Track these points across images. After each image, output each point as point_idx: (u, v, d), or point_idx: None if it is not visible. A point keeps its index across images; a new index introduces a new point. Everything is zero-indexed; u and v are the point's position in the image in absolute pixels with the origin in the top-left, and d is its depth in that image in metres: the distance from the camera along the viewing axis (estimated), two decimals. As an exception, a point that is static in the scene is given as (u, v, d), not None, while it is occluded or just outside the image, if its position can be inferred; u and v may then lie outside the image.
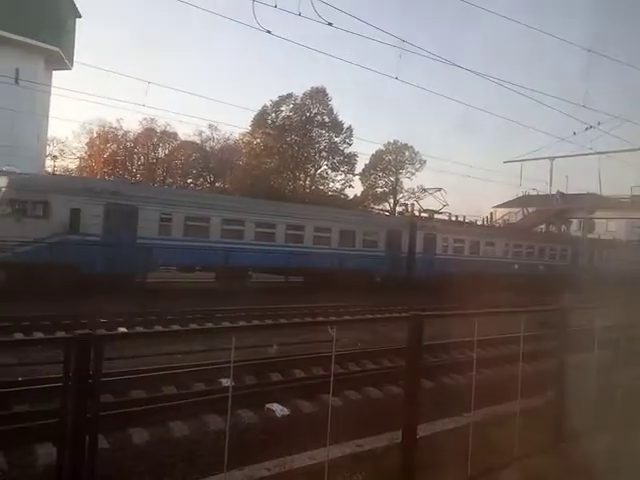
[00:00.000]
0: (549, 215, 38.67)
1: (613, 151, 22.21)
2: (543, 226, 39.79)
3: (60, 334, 10.63)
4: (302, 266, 21.69)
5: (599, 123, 18.84)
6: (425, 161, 56.97)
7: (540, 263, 31.94)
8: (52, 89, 32.07)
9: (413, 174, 58.59)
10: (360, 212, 30.22)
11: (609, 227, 48.11)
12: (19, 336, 9.96)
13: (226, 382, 6.87)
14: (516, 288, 21.69)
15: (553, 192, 37.82)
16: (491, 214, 39.09)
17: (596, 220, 41.53)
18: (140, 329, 11.39)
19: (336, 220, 23.30)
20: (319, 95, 50.72)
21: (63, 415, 2.73)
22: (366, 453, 5.10)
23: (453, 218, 30.30)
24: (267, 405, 6.46)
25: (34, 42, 28.49)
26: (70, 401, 2.65)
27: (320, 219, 22.78)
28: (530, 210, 41.08)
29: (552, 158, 28.93)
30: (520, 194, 43.46)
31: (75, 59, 33.36)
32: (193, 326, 12.02)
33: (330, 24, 10.17)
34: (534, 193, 41.21)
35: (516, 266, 29.93)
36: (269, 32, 10.81)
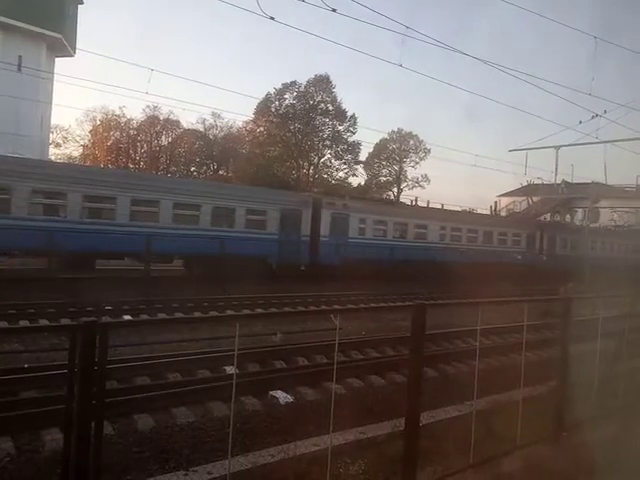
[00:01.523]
0: (554, 204, 38.55)
1: (619, 140, 22.05)
2: (548, 215, 39.67)
3: (66, 321, 10.76)
4: (168, 251, 18.43)
5: (605, 111, 18.67)
6: (429, 150, 56.65)
7: (488, 249, 28.45)
8: (55, 76, 31.98)
9: (417, 163, 58.34)
10: (244, 187, 26.71)
11: (614, 216, 47.94)
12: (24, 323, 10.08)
13: (230, 369, 6.93)
14: (454, 276, 19.60)
15: (558, 181, 37.64)
16: (495, 203, 38.99)
17: (601, 209, 41.33)
18: (145, 317, 11.49)
19: (207, 195, 19.66)
20: (323, 83, 50.34)
21: (69, 401, 2.75)
22: (369, 440, 5.14)
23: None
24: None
25: (36, 29, 28.34)
26: (76, 388, 2.67)
27: (182, 193, 19.03)
28: (535, 199, 40.97)
29: (557, 147, 28.69)
30: (525, 183, 43.32)
31: (78, 46, 33.23)
32: (197, 314, 12.17)
33: (334, 10, 10.07)
34: (539, 182, 41.08)
35: (459, 252, 26.39)
36: (272, 19, 10.71)
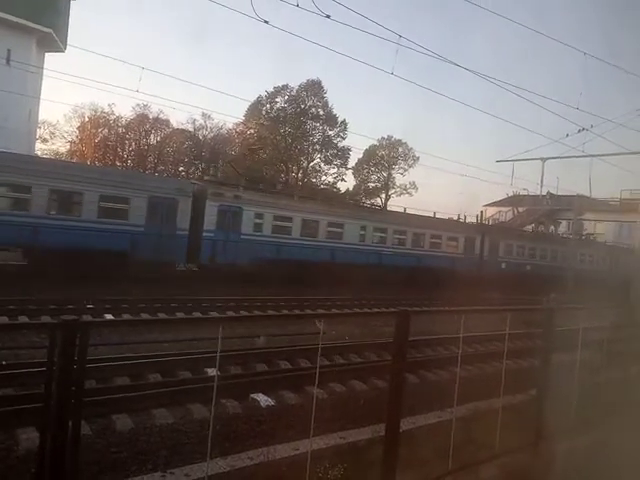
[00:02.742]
0: (538, 215, 39.04)
1: (604, 154, 22.46)
2: (532, 226, 40.16)
3: (46, 319, 10.61)
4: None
5: (592, 126, 19.01)
6: (418, 158, 57.06)
7: (418, 253, 26.24)
8: (44, 71, 31.63)
9: (406, 170, 58.71)
10: (98, 168, 22.64)
11: (597, 229, 48.71)
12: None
13: (211, 372, 6.89)
14: (370, 281, 18.79)
15: (544, 193, 38.16)
16: (481, 212, 39.33)
17: (585, 222, 41.96)
18: (127, 317, 11.39)
19: (42, 175, 16.25)
20: (314, 87, 50.53)
21: (47, 400, 2.72)
22: (349, 445, 5.14)
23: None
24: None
25: (26, 23, 28.00)
26: (54, 386, 2.64)
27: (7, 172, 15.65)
28: (520, 209, 41.46)
29: (544, 159, 29.14)
30: (511, 193, 43.81)
31: (68, 42, 32.92)
32: (180, 315, 12.09)
33: (328, 16, 10.13)
34: (525, 193, 41.57)
35: (375, 254, 24.33)
36: (266, 22, 10.75)
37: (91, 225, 16.82)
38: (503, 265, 29.84)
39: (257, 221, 20.76)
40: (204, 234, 19.05)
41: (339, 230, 23.34)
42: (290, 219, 21.78)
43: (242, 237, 20.08)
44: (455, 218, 35.19)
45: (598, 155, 22.87)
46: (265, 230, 20.95)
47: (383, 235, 25.03)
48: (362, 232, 24.11)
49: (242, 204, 20.27)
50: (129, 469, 4.30)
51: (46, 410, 2.72)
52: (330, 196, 46.43)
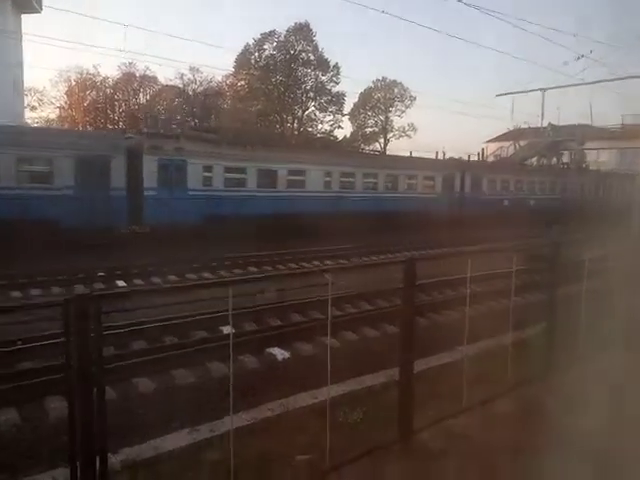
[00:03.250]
0: (540, 147, 38.44)
1: (604, 80, 21.82)
2: (535, 159, 39.63)
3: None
4: None
5: (591, 51, 18.37)
6: (415, 97, 55.70)
7: (392, 196, 24.57)
8: (24, 35, 30.50)
9: (403, 111, 57.43)
10: (14, 126, 20.50)
11: (600, 157, 48.09)
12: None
13: (226, 330, 7.02)
14: (341, 230, 17.78)
15: (544, 125, 37.40)
16: (483, 149, 38.76)
17: (587, 151, 41.37)
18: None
19: None
20: (303, 31, 48.63)
21: (68, 371, 2.79)
22: (366, 390, 5.30)
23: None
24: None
25: (-2, -17, 26.75)
26: (74, 357, 2.71)
27: None
28: (522, 143, 40.80)
29: (543, 90, 28.42)
30: (512, 128, 42.99)
31: (45, 1, 31.54)
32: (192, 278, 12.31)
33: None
34: (526, 126, 40.76)
35: (350, 201, 22.71)
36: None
37: (9, 192, 14.99)
38: (489, 201, 28.04)
39: (206, 174, 18.98)
40: (145, 193, 17.41)
41: (301, 178, 21.69)
42: (244, 170, 20.05)
43: (189, 193, 18.38)
44: (457, 157, 34.69)
45: (597, 82, 22.24)
46: (216, 184, 19.23)
47: (351, 180, 23.43)
48: (327, 179, 22.57)
49: (186, 156, 18.32)
50: (157, 428, 4.47)
51: (69, 379, 2.82)
52: (327, 144, 45.77)
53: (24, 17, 31.66)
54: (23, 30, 30.78)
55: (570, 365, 5.45)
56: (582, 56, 18.41)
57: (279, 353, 6.59)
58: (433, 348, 6.40)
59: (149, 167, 17.51)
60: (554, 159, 39.95)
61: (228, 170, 19.60)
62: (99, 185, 16.37)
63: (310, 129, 52.46)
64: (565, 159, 41.02)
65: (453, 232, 19.71)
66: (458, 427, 4.36)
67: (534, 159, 38.29)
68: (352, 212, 21.01)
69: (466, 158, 31.95)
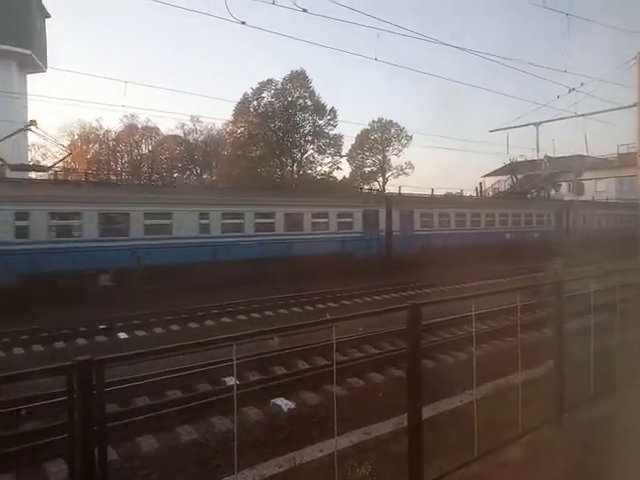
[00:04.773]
0: (538, 180, 38.83)
1: (596, 112, 22.20)
2: (533, 191, 39.96)
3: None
4: None
5: (582, 84, 18.79)
6: (411, 137, 56.88)
7: (301, 238, 20.86)
8: (28, 95, 31.49)
9: (400, 150, 58.56)
10: None
11: (598, 187, 48.48)
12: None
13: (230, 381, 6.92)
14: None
15: (541, 157, 37.89)
16: (480, 184, 39.17)
17: (585, 181, 41.77)
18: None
19: None
20: (299, 78, 50.11)
21: (71, 430, 2.76)
22: (374, 440, 5.16)
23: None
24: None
25: (4, 46, 27.84)
26: (77, 419, 2.68)
27: None
28: (519, 176, 41.25)
29: (537, 124, 28.88)
30: (508, 162, 43.58)
31: (49, 61, 32.74)
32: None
33: (305, 10, 10.01)
34: (522, 159, 41.30)
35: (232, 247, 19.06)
36: (244, 23, 10.63)
37: None
38: (426, 238, 24.66)
39: (19, 223, 15.13)
40: None
41: (165, 222, 17.79)
42: (79, 215, 16.12)
43: None
44: (455, 193, 35.00)
45: (590, 113, 22.67)
46: (35, 234, 15.25)
47: (239, 221, 19.53)
48: (203, 221, 18.72)
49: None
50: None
51: (71, 439, 2.78)
52: (327, 186, 46.28)
53: (29, 77, 32.81)
54: (28, 89, 31.84)
55: (582, 406, 5.32)
56: (573, 89, 18.82)
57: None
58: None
59: None
60: (552, 191, 40.28)
61: (56, 216, 15.94)
62: None
63: (310, 171, 53.23)
64: (563, 190, 41.36)
65: (374, 277, 18.37)
66: (470, 476, 4.22)
67: (533, 191, 38.57)
68: (237, 260, 18.04)
69: (460, 193, 31.92)
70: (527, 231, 30.48)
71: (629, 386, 5.72)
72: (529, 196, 36.79)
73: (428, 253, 22.11)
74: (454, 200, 31.45)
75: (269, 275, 17.68)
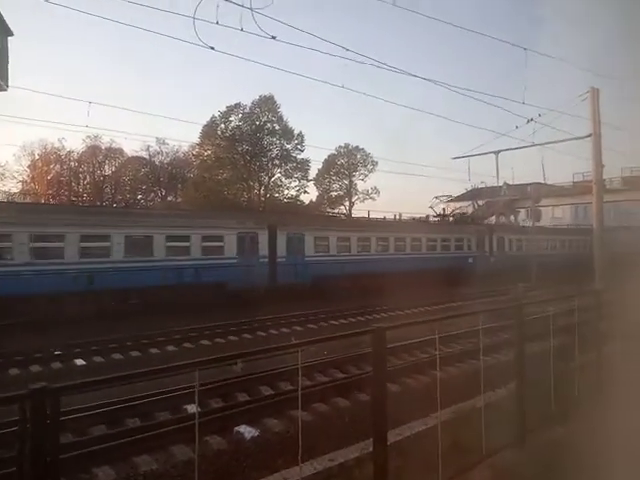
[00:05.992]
0: (498, 206, 40.11)
1: (553, 142, 23.19)
2: (494, 217, 41.23)
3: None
4: None
5: (539, 115, 19.61)
6: (377, 162, 57.97)
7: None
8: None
9: (366, 175, 59.53)
10: None
11: (555, 213, 50.47)
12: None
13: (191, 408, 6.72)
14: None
15: (500, 184, 39.21)
16: (443, 209, 40.07)
17: (542, 208, 43.35)
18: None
19: None
20: (268, 103, 50.54)
21: (19, 463, 2.62)
22: (338, 467, 5.09)
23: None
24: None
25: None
26: (28, 446, 2.55)
27: None
28: (480, 202, 42.53)
29: (497, 152, 29.98)
30: (470, 188, 44.87)
31: (10, 80, 31.93)
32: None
33: (273, 37, 10.17)
34: (482, 186, 42.65)
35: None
36: (212, 48, 10.70)
37: None
38: (316, 264, 22.06)
39: None
40: None
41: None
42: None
43: None
44: (419, 217, 35.67)
45: (547, 143, 23.67)
46: None
47: (58, 244, 16.13)
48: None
49: None
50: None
51: (20, 474, 2.63)
52: (293, 209, 46.42)
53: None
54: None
55: (543, 427, 5.41)
56: (531, 119, 19.63)
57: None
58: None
59: None
60: (512, 217, 41.64)
61: None
62: None
63: (277, 195, 53.32)
64: (522, 216, 42.78)
65: (247, 312, 15.69)
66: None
67: (492, 217, 39.79)
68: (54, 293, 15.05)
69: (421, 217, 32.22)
70: (443, 257, 28.32)
71: (589, 406, 5.87)
72: (451, 219, 35.71)
73: (324, 282, 20.41)
74: (356, 222, 29.00)
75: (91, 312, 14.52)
